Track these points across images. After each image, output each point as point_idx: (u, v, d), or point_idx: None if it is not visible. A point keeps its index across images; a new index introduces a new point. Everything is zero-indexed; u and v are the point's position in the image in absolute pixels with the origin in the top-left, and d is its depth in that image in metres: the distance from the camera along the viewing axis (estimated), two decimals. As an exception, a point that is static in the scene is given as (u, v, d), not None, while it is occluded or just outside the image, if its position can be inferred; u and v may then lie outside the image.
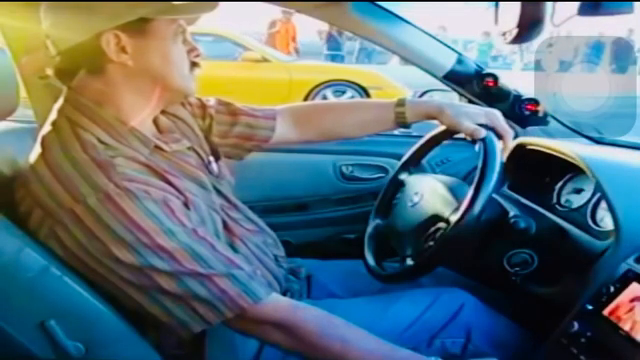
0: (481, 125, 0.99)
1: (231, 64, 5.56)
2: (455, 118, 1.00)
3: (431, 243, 0.98)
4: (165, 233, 0.71)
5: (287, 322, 0.77)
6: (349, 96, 5.48)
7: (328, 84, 5.51)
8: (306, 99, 5.35)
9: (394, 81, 5.54)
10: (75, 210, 0.70)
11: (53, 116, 0.80)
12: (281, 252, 1.03)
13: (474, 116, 1.00)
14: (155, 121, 0.87)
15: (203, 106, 1.03)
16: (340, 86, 5.53)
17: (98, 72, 0.77)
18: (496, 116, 1.00)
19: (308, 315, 0.79)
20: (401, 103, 1.06)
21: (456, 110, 1.02)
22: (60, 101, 0.81)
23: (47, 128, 0.79)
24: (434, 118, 1.05)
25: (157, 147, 0.81)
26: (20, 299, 0.69)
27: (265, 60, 5.57)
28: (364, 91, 5.46)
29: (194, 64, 0.83)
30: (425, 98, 1.13)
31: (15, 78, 0.81)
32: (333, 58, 8.94)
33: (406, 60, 1.37)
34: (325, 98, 5.42)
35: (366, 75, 5.72)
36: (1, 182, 0.80)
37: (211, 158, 0.96)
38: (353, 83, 5.51)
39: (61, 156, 0.73)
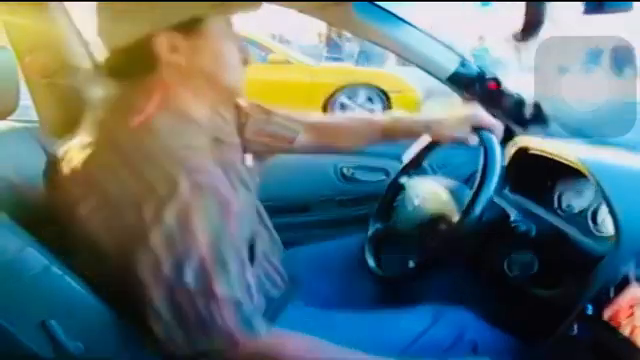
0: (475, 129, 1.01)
1: (253, 66, 5.56)
2: (444, 133, 1.04)
3: (433, 245, 0.98)
4: (210, 236, 0.69)
5: (272, 351, 0.75)
6: (365, 98, 5.50)
7: (349, 87, 5.52)
8: (327, 102, 5.38)
9: (412, 84, 5.54)
10: (140, 202, 0.68)
11: (108, 105, 0.79)
12: (279, 254, 1.04)
13: (462, 124, 1.02)
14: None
15: (237, 104, 1.03)
16: (361, 89, 5.54)
17: (152, 71, 0.77)
18: (478, 117, 1.02)
19: (293, 342, 0.77)
20: (391, 120, 1.08)
21: (443, 125, 1.05)
22: (111, 91, 0.79)
23: (104, 116, 0.77)
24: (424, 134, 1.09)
25: (217, 139, 0.81)
26: (21, 298, 0.69)
27: (288, 62, 5.57)
28: (385, 95, 5.46)
29: (244, 60, 0.84)
30: (412, 115, 1.14)
31: (17, 77, 0.81)
32: (333, 61, 8.96)
33: (410, 62, 1.37)
34: (343, 103, 5.46)
35: (387, 78, 5.70)
36: (2, 181, 0.80)
37: (246, 155, 0.96)
38: (374, 86, 5.51)
39: (129, 144, 0.72)
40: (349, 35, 11.30)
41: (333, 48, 9.78)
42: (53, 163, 0.79)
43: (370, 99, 5.50)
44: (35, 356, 0.69)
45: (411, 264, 1.02)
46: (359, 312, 1.00)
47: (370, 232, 1.18)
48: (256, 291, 0.78)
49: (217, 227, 0.70)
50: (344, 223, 1.54)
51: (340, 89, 5.50)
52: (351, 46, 10.33)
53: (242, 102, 1.04)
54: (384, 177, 1.53)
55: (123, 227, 0.69)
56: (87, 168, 0.73)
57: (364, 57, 10.62)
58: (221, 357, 0.75)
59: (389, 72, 6.26)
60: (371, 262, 1.12)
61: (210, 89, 0.80)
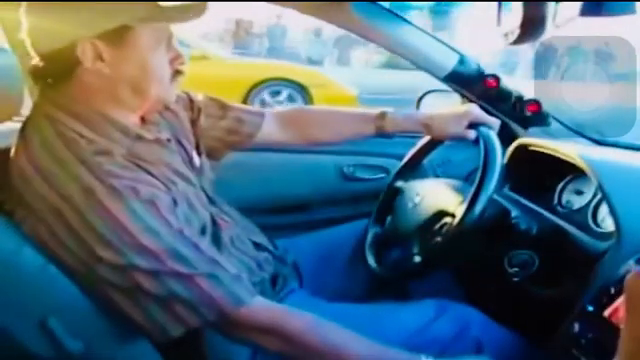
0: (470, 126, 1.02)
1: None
2: (441, 130, 1.06)
3: (438, 239, 0.98)
4: (149, 233, 0.71)
5: (273, 326, 0.76)
6: (286, 95, 5.36)
7: (269, 83, 5.38)
8: (246, 97, 5.25)
9: (336, 79, 5.48)
10: (60, 209, 0.69)
11: (32, 114, 0.79)
12: (261, 239, 1.04)
13: (458, 120, 1.03)
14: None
15: (191, 99, 1.04)
16: (280, 85, 5.40)
17: (72, 77, 0.76)
18: (474, 114, 1.03)
19: (295, 319, 0.77)
20: (382, 116, 1.10)
21: (439, 121, 1.06)
22: (37, 99, 0.80)
23: (26, 126, 0.78)
24: (419, 132, 1.10)
25: (139, 136, 0.80)
26: (19, 297, 0.69)
27: (205, 57, 5.39)
28: (304, 90, 5.33)
29: (177, 72, 0.82)
30: (409, 112, 1.15)
31: (20, 79, 0.81)
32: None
33: (408, 61, 1.37)
34: (263, 99, 5.31)
35: (307, 74, 5.58)
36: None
37: (194, 152, 0.96)
38: (294, 82, 5.37)
39: (44, 154, 0.73)
40: (257, 32, 11.27)
41: (240, 45, 9.72)
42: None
43: (291, 96, 5.36)
44: (34, 355, 0.69)
45: (409, 265, 1.02)
46: (361, 303, 1.00)
47: (369, 237, 1.17)
48: (230, 265, 0.78)
49: (149, 222, 0.71)
50: (345, 222, 1.54)
51: (259, 84, 5.33)
52: (260, 44, 10.27)
53: (195, 97, 1.04)
54: (384, 175, 1.53)
55: (54, 238, 0.70)
56: (13, 182, 0.74)
57: (273, 54, 10.33)
58: (222, 330, 0.77)
59: (310, 68, 6.14)
60: (371, 261, 1.12)
61: (134, 98, 0.80)
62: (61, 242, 0.70)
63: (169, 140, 0.88)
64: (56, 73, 0.77)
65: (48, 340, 0.68)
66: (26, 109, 0.85)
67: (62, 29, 0.73)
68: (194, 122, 1.02)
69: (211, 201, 0.95)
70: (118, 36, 0.75)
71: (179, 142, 0.92)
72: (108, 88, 0.77)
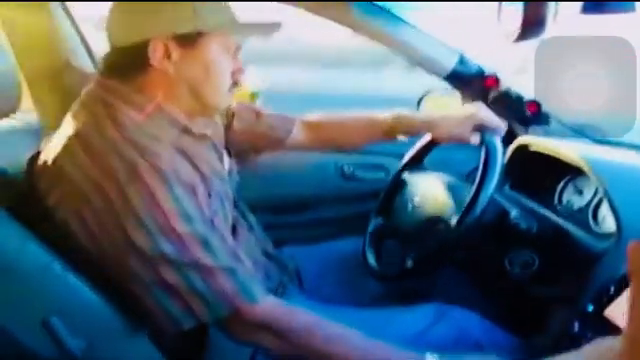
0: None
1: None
2: (447, 132, 1.06)
3: (431, 245, 0.98)
4: (183, 218, 0.72)
5: (278, 325, 0.76)
6: None
7: None
8: None
9: None
10: (102, 184, 0.70)
11: (84, 98, 0.81)
12: (272, 249, 1.06)
13: (463, 123, 1.03)
14: None
15: None
16: None
17: (137, 72, 0.78)
18: (479, 117, 1.02)
19: (298, 318, 0.78)
20: (389, 119, 1.11)
21: (443, 123, 1.06)
22: (91, 85, 0.82)
23: (77, 109, 0.80)
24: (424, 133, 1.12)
25: (186, 129, 0.82)
26: (22, 296, 0.69)
27: None
28: None
29: (235, 83, 0.84)
30: (412, 113, 1.15)
31: (16, 78, 0.81)
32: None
33: (408, 60, 1.38)
34: None
35: None
36: (3, 181, 0.80)
37: (224, 152, 0.97)
38: None
39: (92, 132, 0.74)
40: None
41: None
42: (32, 157, 0.81)
43: None
44: (36, 354, 0.69)
45: (409, 264, 1.02)
46: (360, 308, 1.00)
47: (371, 227, 1.17)
48: (248, 262, 0.80)
49: (185, 206, 0.72)
50: (344, 221, 1.54)
51: None
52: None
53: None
54: (384, 175, 1.53)
55: (92, 215, 0.71)
56: (55, 159, 0.75)
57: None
58: (229, 327, 0.77)
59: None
60: (371, 259, 1.12)
61: (190, 100, 0.81)
62: (99, 224, 0.71)
63: (208, 138, 0.90)
64: (124, 66, 0.79)
65: (50, 339, 0.69)
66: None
67: (140, 25, 0.76)
68: (227, 127, 1.04)
69: (235, 205, 0.97)
70: (191, 39, 0.77)
71: (213, 143, 0.93)
72: (169, 87, 0.79)
